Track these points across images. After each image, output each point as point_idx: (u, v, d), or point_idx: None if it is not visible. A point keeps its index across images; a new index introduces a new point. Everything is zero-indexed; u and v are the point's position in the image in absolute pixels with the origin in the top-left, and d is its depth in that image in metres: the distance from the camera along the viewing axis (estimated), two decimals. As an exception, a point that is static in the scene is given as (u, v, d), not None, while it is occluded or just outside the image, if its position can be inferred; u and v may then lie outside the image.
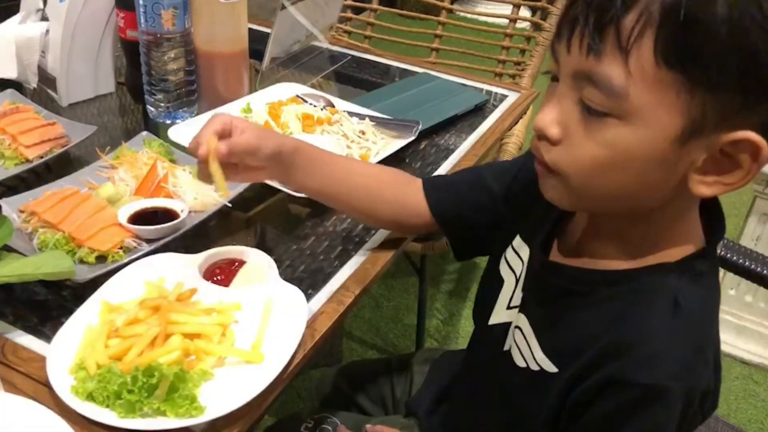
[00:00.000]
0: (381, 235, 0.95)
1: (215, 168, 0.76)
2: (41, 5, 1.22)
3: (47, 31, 1.21)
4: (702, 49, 0.50)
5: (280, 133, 0.87)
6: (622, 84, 0.53)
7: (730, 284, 1.95)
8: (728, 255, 1.10)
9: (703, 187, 0.57)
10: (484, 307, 0.82)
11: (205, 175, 0.78)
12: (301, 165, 0.84)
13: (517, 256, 0.77)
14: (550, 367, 0.67)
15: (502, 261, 0.79)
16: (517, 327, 0.73)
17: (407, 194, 0.89)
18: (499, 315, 0.79)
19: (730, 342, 1.98)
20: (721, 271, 1.98)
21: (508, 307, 0.77)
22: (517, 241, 0.77)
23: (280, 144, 0.82)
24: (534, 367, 0.69)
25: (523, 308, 0.73)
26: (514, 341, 0.73)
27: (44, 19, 1.22)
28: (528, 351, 0.70)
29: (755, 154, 0.54)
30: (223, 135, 0.78)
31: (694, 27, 0.50)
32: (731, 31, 0.49)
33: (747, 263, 1.09)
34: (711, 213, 0.65)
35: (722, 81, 0.51)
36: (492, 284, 0.80)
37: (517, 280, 0.76)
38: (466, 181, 0.89)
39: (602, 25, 0.53)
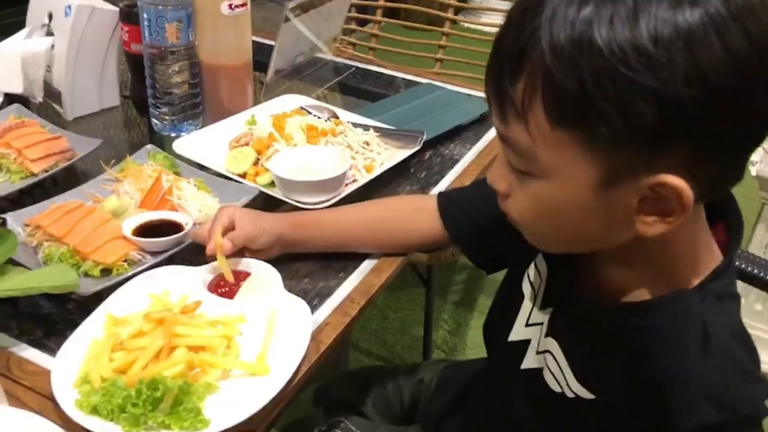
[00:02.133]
0: (386, 245, 0.95)
1: (221, 259, 0.83)
2: (46, 20, 1.23)
3: (52, 45, 1.22)
4: (581, 108, 0.52)
5: (280, 216, 0.92)
6: (528, 147, 0.56)
7: (739, 293, 1.93)
8: (750, 268, 1.08)
9: (646, 227, 0.57)
10: (502, 322, 0.80)
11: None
12: (305, 237, 0.91)
13: (537, 273, 0.76)
14: (586, 395, 0.66)
15: (525, 277, 0.78)
16: (548, 351, 0.71)
17: (419, 221, 0.93)
18: (518, 332, 0.78)
19: (762, 358, 1.95)
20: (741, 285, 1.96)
21: (527, 325, 0.76)
22: (539, 258, 0.76)
23: (278, 228, 0.88)
24: (570, 394, 0.68)
25: (552, 332, 0.72)
26: (546, 365, 0.71)
27: (49, 34, 1.23)
28: (562, 378, 0.69)
29: (678, 195, 0.54)
30: (230, 227, 0.86)
31: (566, 89, 0.51)
32: (601, 89, 0.50)
33: (756, 271, 1.08)
34: (729, 219, 0.65)
35: (615, 134, 0.52)
36: (511, 300, 0.79)
37: (536, 297, 0.75)
38: (482, 197, 0.87)
39: (500, 97, 0.56)
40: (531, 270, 0.77)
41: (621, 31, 0.49)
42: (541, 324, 0.73)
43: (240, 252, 0.86)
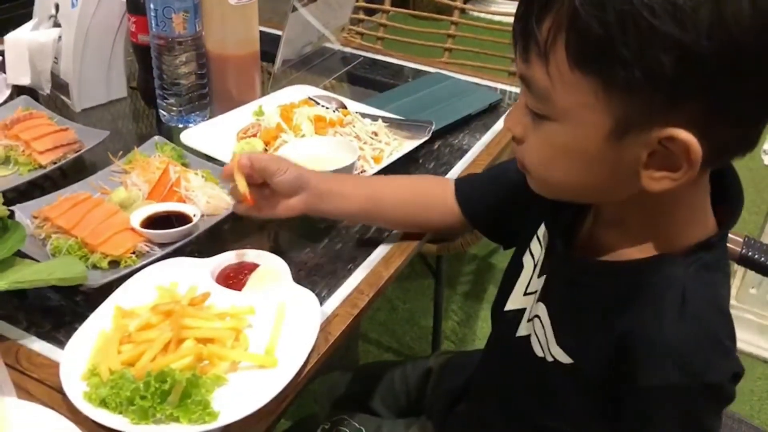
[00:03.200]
0: (395, 237, 0.94)
1: (239, 178, 0.81)
2: (53, 12, 1.23)
3: (60, 37, 1.21)
4: (603, 52, 0.52)
5: (308, 168, 0.89)
6: (546, 87, 0.57)
7: (751, 282, 1.92)
8: (750, 253, 1.08)
9: (652, 183, 0.58)
10: (503, 293, 0.83)
11: (234, 191, 0.84)
12: (336, 190, 0.88)
13: (538, 243, 0.78)
14: (565, 359, 0.68)
15: (527, 250, 0.80)
16: (536, 316, 0.73)
17: (442, 197, 0.93)
18: (515, 301, 0.80)
19: (752, 342, 1.94)
20: (742, 270, 1.95)
21: (525, 293, 0.78)
22: (542, 229, 0.78)
23: (303, 173, 0.86)
24: (549, 358, 0.70)
25: (543, 297, 0.73)
26: (534, 330, 0.73)
27: (56, 25, 1.23)
28: (545, 341, 0.71)
29: (686, 151, 0.54)
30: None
31: (591, 32, 0.52)
32: (624, 34, 0.51)
33: (769, 261, 1.07)
34: (729, 197, 0.65)
35: (631, 82, 0.52)
36: (513, 271, 0.82)
37: (535, 266, 0.77)
38: (491, 177, 0.94)
39: (526, 35, 0.57)
40: (533, 241, 0.79)
41: None
42: (536, 292, 0.75)
43: (259, 188, 0.84)
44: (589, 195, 0.66)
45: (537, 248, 0.78)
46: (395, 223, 0.94)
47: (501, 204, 0.88)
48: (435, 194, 0.93)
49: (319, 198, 0.87)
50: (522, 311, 0.77)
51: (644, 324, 0.61)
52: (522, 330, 0.76)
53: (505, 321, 0.79)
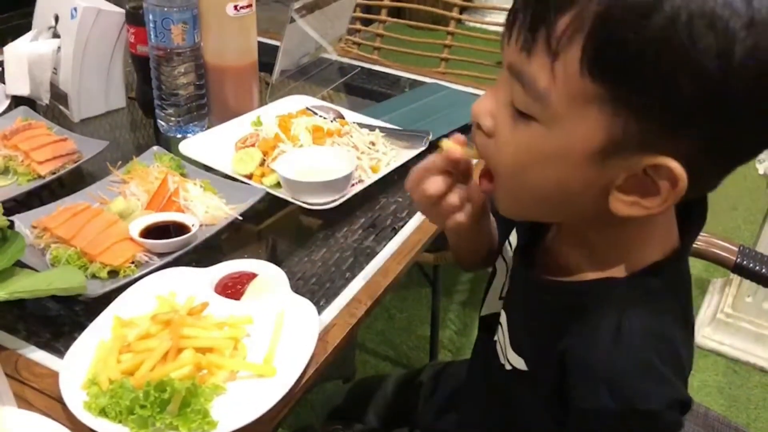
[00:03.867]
0: (392, 246, 0.95)
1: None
2: (53, 22, 1.24)
3: (59, 48, 1.22)
4: (627, 67, 0.49)
5: None
6: (545, 87, 0.52)
7: (747, 291, 1.93)
8: (745, 262, 1.08)
9: (621, 206, 0.55)
10: (482, 300, 0.83)
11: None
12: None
13: (509, 248, 0.78)
14: (521, 365, 0.68)
15: (500, 254, 0.80)
16: (500, 323, 0.74)
17: None
18: (490, 305, 0.80)
19: (749, 350, 1.95)
20: (737, 279, 1.95)
21: (500, 298, 0.78)
22: (513, 235, 0.78)
23: None
24: (507, 366, 0.70)
25: (505, 305, 0.74)
26: (498, 336, 0.74)
27: (56, 36, 1.23)
28: (504, 348, 0.71)
29: (673, 182, 0.52)
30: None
31: (621, 44, 0.48)
32: (658, 55, 0.48)
33: (764, 270, 1.08)
34: (694, 210, 0.63)
35: (645, 104, 0.50)
36: (491, 276, 0.81)
37: (507, 271, 0.77)
38: None
39: (536, 23, 0.52)
40: (505, 246, 0.79)
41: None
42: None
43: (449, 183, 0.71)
44: (550, 211, 0.63)
45: (508, 253, 0.77)
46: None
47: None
48: None
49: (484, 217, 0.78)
50: (497, 315, 0.77)
51: (581, 347, 0.60)
52: (496, 335, 0.76)
53: (485, 326, 0.80)
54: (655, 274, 0.61)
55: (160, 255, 0.88)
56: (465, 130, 1.24)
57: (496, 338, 0.75)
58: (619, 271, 0.62)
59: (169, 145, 1.16)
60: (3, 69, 1.25)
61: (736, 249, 1.08)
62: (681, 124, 0.50)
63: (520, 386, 0.69)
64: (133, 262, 0.86)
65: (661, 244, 0.62)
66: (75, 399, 0.67)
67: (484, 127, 0.60)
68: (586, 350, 0.60)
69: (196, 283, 0.82)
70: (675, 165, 0.52)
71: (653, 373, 0.58)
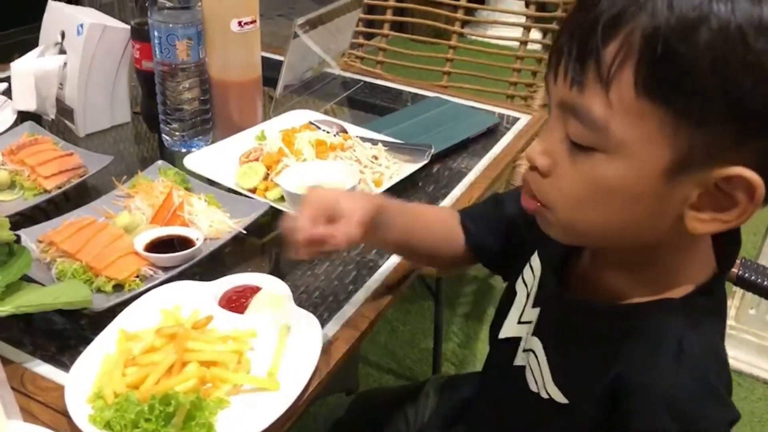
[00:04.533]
0: (395, 259, 0.95)
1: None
2: (59, 39, 1.25)
3: (65, 63, 1.24)
4: (683, 81, 0.49)
5: (366, 195, 0.84)
6: (602, 116, 0.52)
7: (750, 304, 1.93)
8: (747, 274, 1.09)
9: (698, 224, 0.55)
10: (497, 321, 0.82)
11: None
12: (384, 222, 0.79)
13: (531, 273, 0.77)
14: (560, 398, 0.66)
15: (520, 278, 0.80)
16: (530, 350, 0.73)
17: (453, 230, 0.89)
18: (509, 329, 0.79)
19: (752, 363, 1.94)
20: (740, 291, 1.95)
21: (519, 322, 0.77)
22: (535, 259, 0.77)
23: (374, 206, 0.77)
24: (544, 395, 0.68)
25: (537, 332, 0.73)
26: (528, 363, 0.73)
27: (62, 52, 1.25)
28: (540, 378, 0.69)
29: (750, 192, 0.52)
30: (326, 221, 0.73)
31: (674, 58, 0.49)
32: (713, 63, 0.48)
33: (767, 283, 1.08)
34: (727, 235, 0.63)
35: (707, 114, 0.49)
36: (507, 298, 0.81)
37: (528, 296, 0.77)
38: (489, 209, 0.89)
39: (584, 56, 0.52)
40: (526, 270, 0.78)
41: (743, 6, 0.48)
42: (530, 322, 0.74)
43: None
44: (616, 238, 0.61)
45: (530, 277, 0.77)
46: (421, 255, 0.89)
47: (501, 237, 0.86)
48: (451, 225, 0.89)
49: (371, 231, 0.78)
50: (518, 340, 0.76)
51: (639, 370, 0.59)
52: (519, 359, 0.75)
53: (502, 348, 0.79)
54: (706, 294, 0.61)
55: (165, 269, 0.88)
56: (465, 144, 1.26)
57: (523, 364, 0.73)
58: (672, 293, 0.61)
59: (174, 159, 1.17)
60: (10, 85, 1.26)
61: (738, 261, 1.08)
62: (750, 129, 0.50)
63: (555, 415, 0.67)
64: (137, 276, 0.87)
65: (705, 265, 0.62)
66: (80, 412, 0.68)
67: (540, 166, 0.59)
68: (646, 372, 0.59)
69: (201, 296, 0.83)
70: (750, 173, 0.51)
71: (714, 394, 0.58)
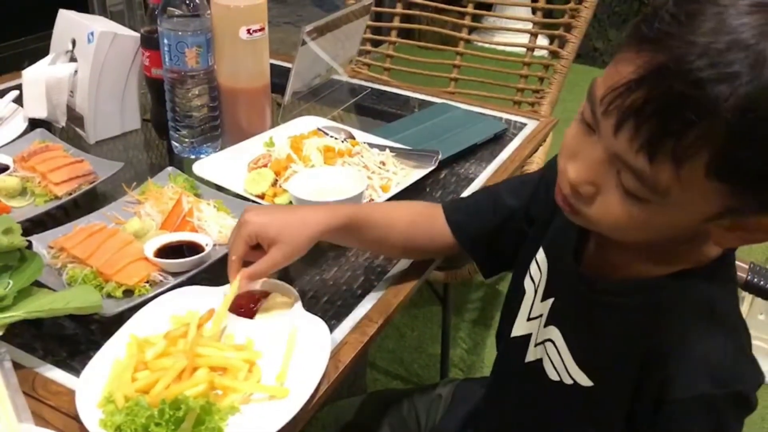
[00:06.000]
0: (403, 264, 0.96)
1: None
2: (70, 47, 1.26)
3: (76, 71, 1.25)
4: (754, 164, 0.51)
5: (330, 209, 0.86)
6: (666, 186, 0.54)
7: (759, 309, 1.92)
8: (755, 279, 1.08)
9: (723, 240, 0.59)
10: (506, 321, 0.83)
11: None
12: (354, 229, 0.85)
13: (537, 268, 0.78)
14: (585, 381, 0.67)
15: (527, 275, 0.81)
16: (548, 340, 0.73)
17: (434, 223, 0.91)
18: (520, 327, 0.80)
19: (762, 368, 1.93)
20: (750, 296, 1.94)
21: (528, 319, 0.79)
22: (540, 254, 0.78)
23: (320, 233, 0.82)
24: (567, 380, 0.69)
25: (552, 321, 0.73)
26: (547, 354, 0.73)
27: (73, 60, 1.26)
28: (561, 365, 0.71)
29: None
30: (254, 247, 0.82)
31: (754, 153, 0.50)
32: None
33: (774, 287, 1.07)
34: None
35: (764, 191, 0.53)
36: (515, 298, 0.82)
37: (536, 291, 0.77)
38: (483, 201, 0.91)
39: (662, 134, 0.52)
40: (532, 266, 0.79)
41: None
42: (541, 316, 0.75)
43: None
44: (643, 242, 0.64)
45: (537, 273, 0.78)
46: (398, 248, 0.92)
47: (495, 230, 0.87)
48: (430, 215, 0.91)
49: (342, 240, 0.87)
50: (528, 336, 0.78)
51: (673, 339, 0.61)
52: (530, 355, 0.77)
53: (512, 347, 0.80)
54: (724, 265, 0.64)
55: (175, 274, 0.89)
56: (473, 150, 1.26)
57: (539, 357, 0.75)
58: (690, 264, 0.63)
59: (183, 165, 1.18)
60: (21, 92, 1.27)
61: (746, 266, 1.08)
62: None
63: (579, 401, 0.68)
64: (147, 282, 0.87)
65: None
66: (91, 417, 0.68)
67: (585, 195, 0.61)
68: (681, 340, 0.61)
69: (210, 301, 0.83)
70: None
71: (746, 355, 0.62)
